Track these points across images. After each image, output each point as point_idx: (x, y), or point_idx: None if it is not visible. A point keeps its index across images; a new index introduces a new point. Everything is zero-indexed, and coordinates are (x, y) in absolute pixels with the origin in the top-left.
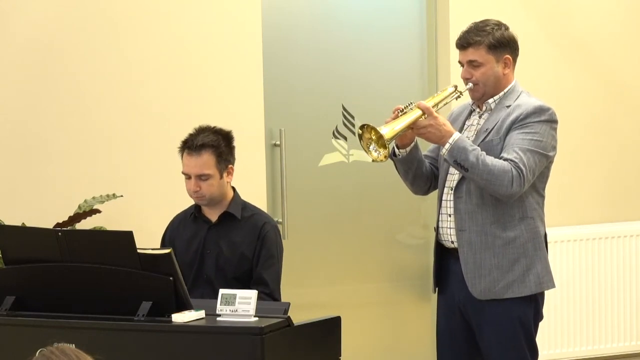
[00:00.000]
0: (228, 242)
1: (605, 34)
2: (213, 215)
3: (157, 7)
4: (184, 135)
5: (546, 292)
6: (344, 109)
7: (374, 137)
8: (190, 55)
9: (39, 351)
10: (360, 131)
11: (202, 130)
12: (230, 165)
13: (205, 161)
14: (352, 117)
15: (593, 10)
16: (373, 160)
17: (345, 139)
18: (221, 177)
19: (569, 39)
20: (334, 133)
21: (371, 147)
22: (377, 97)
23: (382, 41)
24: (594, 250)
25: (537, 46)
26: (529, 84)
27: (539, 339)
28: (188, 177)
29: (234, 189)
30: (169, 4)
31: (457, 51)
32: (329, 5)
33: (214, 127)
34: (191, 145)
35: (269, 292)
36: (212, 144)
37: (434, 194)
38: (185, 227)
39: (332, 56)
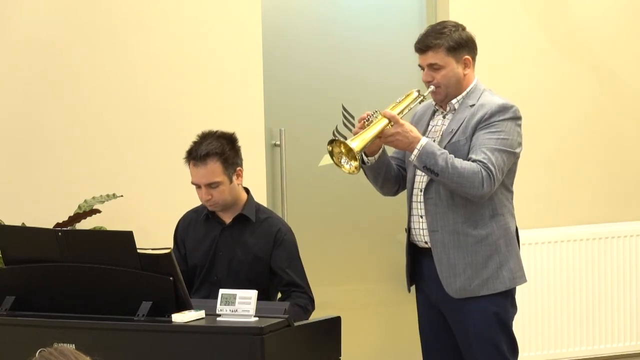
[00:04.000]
0: (242, 244)
1: (604, 34)
2: (227, 216)
3: (157, 8)
4: (184, 135)
5: (546, 293)
6: (344, 108)
7: (343, 151)
8: (191, 55)
9: (38, 352)
10: (329, 147)
11: (204, 138)
12: (238, 168)
13: (212, 169)
14: (352, 117)
15: (592, 9)
16: (352, 172)
17: (345, 139)
18: (231, 181)
19: (568, 38)
20: (334, 133)
21: (343, 161)
22: (377, 97)
23: (382, 41)
24: (594, 250)
25: (536, 45)
26: (528, 83)
27: (539, 340)
28: (198, 186)
29: (247, 190)
30: (169, 4)
31: None
32: (329, 5)
33: (216, 131)
34: (196, 155)
35: (304, 291)
36: (217, 151)
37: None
38: (197, 227)
39: (332, 56)
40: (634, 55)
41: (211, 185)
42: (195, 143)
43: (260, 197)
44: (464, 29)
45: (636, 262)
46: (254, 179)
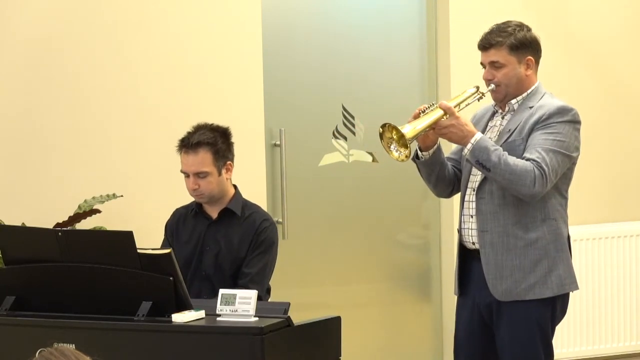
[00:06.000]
0: (227, 238)
1: (605, 34)
2: (213, 212)
3: (157, 7)
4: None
5: None
6: (344, 108)
7: (394, 137)
8: (191, 55)
9: (38, 352)
10: (381, 130)
11: (199, 128)
12: (228, 162)
13: (202, 159)
14: (352, 117)
15: (593, 10)
16: (402, 160)
17: (345, 139)
18: (219, 174)
19: (569, 38)
20: (334, 133)
21: (392, 147)
22: (377, 97)
23: (382, 41)
24: (594, 250)
25: None
26: None
27: None
28: (187, 175)
29: (235, 187)
30: (169, 4)
31: (456, 51)
32: (329, 5)
33: (212, 124)
34: (187, 143)
35: (243, 283)
36: (209, 141)
37: (456, 196)
38: (186, 223)
39: (332, 56)
40: (635, 56)
41: (199, 175)
42: (188, 133)
43: (260, 197)
44: (529, 29)
45: (636, 262)
46: (254, 179)
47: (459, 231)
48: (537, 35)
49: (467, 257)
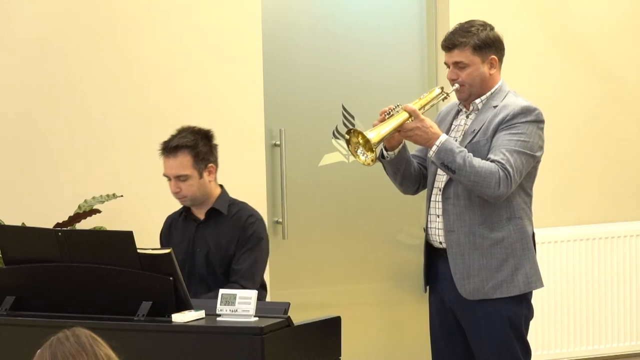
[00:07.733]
0: (215, 238)
1: (604, 34)
2: (200, 213)
3: (157, 8)
4: None
5: (546, 292)
6: (344, 108)
7: (361, 141)
8: (191, 55)
9: (55, 336)
10: (347, 136)
11: (181, 131)
12: (210, 164)
13: (181, 162)
14: (352, 117)
15: (593, 10)
16: (368, 164)
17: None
18: (201, 176)
19: (568, 38)
20: (334, 133)
21: (359, 151)
22: (377, 97)
23: (382, 41)
24: (593, 250)
25: (536, 46)
26: (528, 84)
27: (539, 339)
28: (168, 178)
29: (222, 187)
30: (169, 4)
31: None
32: (329, 5)
33: (194, 127)
34: (167, 147)
35: (234, 280)
36: (188, 145)
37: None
38: (176, 228)
39: (332, 56)
40: (635, 56)
41: (180, 178)
42: (171, 136)
43: (260, 197)
44: (492, 28)
45: (636, 262)
46: (254, 179)
47: (425, 230)
48: (501, 33)
49: (434, 256)
